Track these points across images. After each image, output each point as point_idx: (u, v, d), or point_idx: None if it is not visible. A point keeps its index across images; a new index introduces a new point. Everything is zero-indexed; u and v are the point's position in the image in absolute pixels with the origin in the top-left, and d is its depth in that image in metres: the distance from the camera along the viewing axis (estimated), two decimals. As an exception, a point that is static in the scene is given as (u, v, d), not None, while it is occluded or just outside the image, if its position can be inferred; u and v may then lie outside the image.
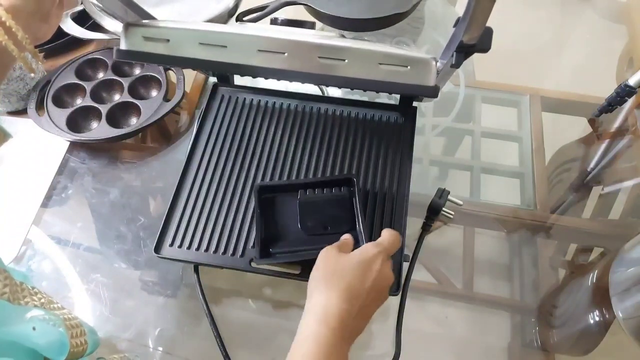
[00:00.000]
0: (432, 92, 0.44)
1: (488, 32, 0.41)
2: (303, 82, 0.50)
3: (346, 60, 0.44)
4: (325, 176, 0.64)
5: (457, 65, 0.44)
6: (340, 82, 0.45)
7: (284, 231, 0.59)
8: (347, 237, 0.53)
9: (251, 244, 0.59)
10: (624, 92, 0.71)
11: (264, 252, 0.57)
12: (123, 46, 0.46)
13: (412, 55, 0.44)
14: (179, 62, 0.47)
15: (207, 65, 0.46)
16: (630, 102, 0.75)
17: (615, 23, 0.94)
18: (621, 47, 0.87)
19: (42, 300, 0.48)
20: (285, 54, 0.44)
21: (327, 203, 0.60)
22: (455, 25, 0.43)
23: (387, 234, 0.50)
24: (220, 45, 0.45)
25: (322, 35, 0.47)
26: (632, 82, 0.70)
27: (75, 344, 0.45)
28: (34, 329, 0.41)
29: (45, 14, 0.41)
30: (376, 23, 0.84)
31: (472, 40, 0.41)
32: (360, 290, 0.44)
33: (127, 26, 0.46)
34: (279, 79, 0.48)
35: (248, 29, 0.49)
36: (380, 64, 0.44)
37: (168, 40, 0.45)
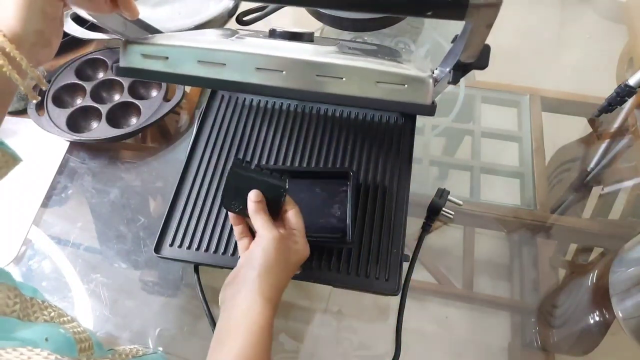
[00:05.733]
0: (428, 110, 0.45)
1: (486, 50, 0.42)
2: (301, 99, 0.50)
3: (344, 79, 0.44)
4: (323, 167, 0.65)
5: (454, 82, 0.44)
6: (338, 100, 0.45)
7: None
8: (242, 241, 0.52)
9: None
10: (624, 92, 0.71)
11: None
12: (122, 63, 0.47)
13: (410, 73, 0.44)
14: (178, 80, 0.47)
15: (206, 82, 0.47)
16: (630, 102, 0.75)
17: (615, 23, 0.94)
18: (621, 47, 0.87)
19: (52, 314, 0.48)
20: (284, 72, 0.45)
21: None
22: (453, 41, 0.43)
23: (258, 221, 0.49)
24: (219, 63, 0.46)
25: (321, 51, 0.47)
26: (632, 82, 0.70)
27: (83, 356, 0.46)
28: (46, 340, 0.41)
29: (47, 40, 0.41)
30: (376, 23, 0.84)
31: (470, 59, 0.41)
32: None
33: (126, 43, 0.46)
34: (277, 97, 0.49)
35: (247, 45, 0.49)
36: (377, 82, 0.44)
37: (167, 58, 0.46)
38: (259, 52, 0.45)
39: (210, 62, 0.46)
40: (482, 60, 0.42)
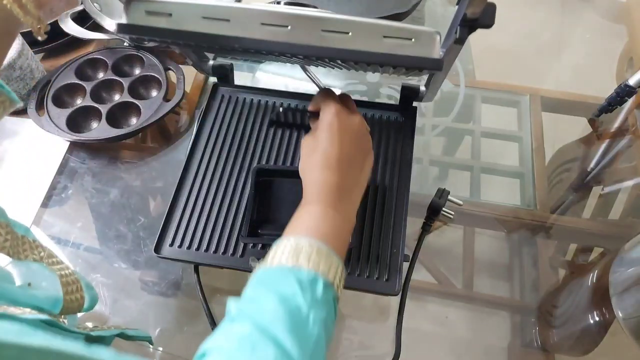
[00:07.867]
0: (436, 64, 0.44)
1: (491, 7, 0.41)
2: (306, 55, 0.49)
3: (350, 33, 0.44)
4: None
5: (460, 40, 0.44)
6: (344, 55, 0.45)
7: (276, 216, 0.59)
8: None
9: (251, 243, 0.60)
10: (624, 92, 0.71)
11: (253, 231, 0.57)
12: (124, 20, 0.46)
13: (417, 28, 0.44)
14: (181, 36, 0.46)
15: (209, 39, 0.46)
16: (630, 102, 0.75)
17: (615, 23, 0.94)
18: (621, 47, 0.87)
19: (42, 254, 0.48)
20: (289, 27, 0.44)
21: None
22: (457, 3, 0.43)
23: (329, 100, 0.52)
24: (224, 19, 0.45)
25: (325, 12, 0.47)
26: (632, 82, 0.70)
27: (70, 299, 0.45)
28: (29, 284, 0.41)
29: None
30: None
31: (476, 15, 0.41)
32: (350, 156, 0.48)
33: (129, 0, 0.46)
34: (281, 53, 0.48)
35: (252, 4, 0.49)
36: (384, 36, 0.44)
37: (170, 15, 0.45)
38: (264, 8, 0.45)
39: (215, 18, 0.45)
40: (487, 17, 0.42)
